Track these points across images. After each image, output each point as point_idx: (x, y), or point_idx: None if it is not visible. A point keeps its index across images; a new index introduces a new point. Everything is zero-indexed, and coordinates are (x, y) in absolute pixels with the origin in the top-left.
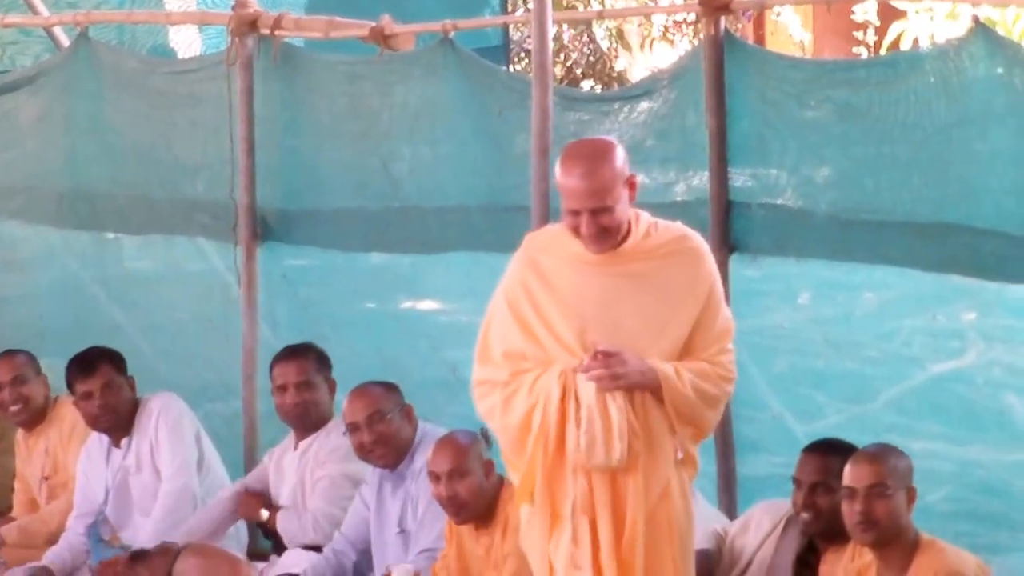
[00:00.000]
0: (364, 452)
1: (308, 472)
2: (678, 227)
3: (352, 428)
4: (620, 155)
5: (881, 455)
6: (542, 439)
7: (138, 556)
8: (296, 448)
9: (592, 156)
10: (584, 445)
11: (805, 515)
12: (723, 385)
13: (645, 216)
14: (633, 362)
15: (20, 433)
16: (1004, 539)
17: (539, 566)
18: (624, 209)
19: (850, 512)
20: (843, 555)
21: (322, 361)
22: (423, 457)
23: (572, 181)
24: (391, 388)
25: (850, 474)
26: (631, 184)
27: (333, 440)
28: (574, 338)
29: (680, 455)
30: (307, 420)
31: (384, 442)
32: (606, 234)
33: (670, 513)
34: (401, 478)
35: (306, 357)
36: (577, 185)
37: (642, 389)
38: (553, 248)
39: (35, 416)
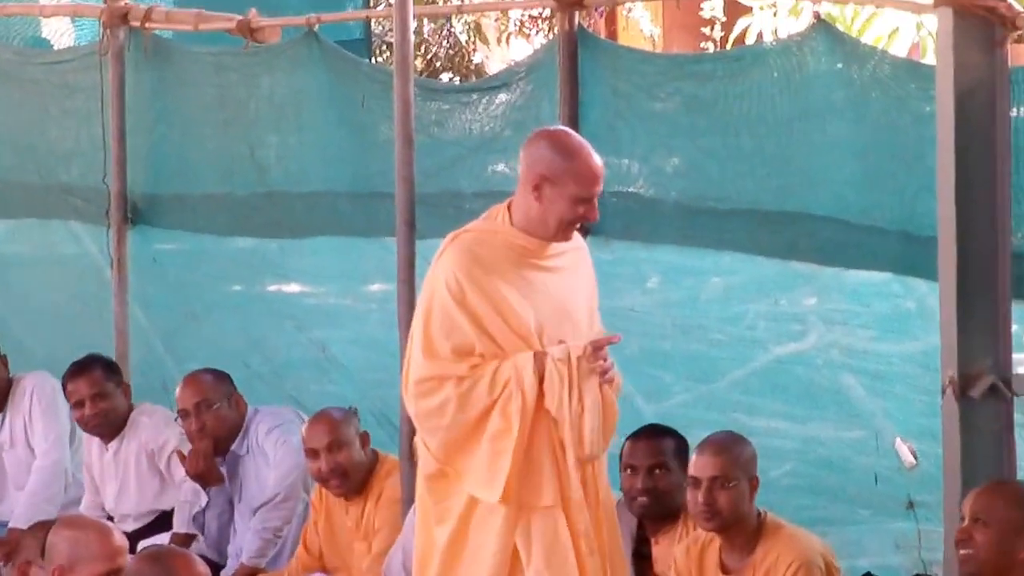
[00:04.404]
0: (192, 441)
1: (127, 472)
2: None
3: (182, 414)
4: None
5: (725, 447)
6: (524, 434)
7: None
8: (107, 450)
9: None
10: (589, 437)
11: (643, 499)
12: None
13: None
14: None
15: None
16: (841, 512)
17: (497, 557)
18: None
19: (694, 501)
20: (674, 536)
21: (110, 369)
22: (259, 430)
23: (593, 165)
24: (221, 377)
25: (695, 464)
26: None
27: (142, 433)
28: (532, 328)
29: None
30: (110, 427)
31: (211, 432)
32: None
33: (610, 498)
34: (235, 458)
35: (93, 369)
36: (596, 169)
37: None
38: (487, 242)
39: None
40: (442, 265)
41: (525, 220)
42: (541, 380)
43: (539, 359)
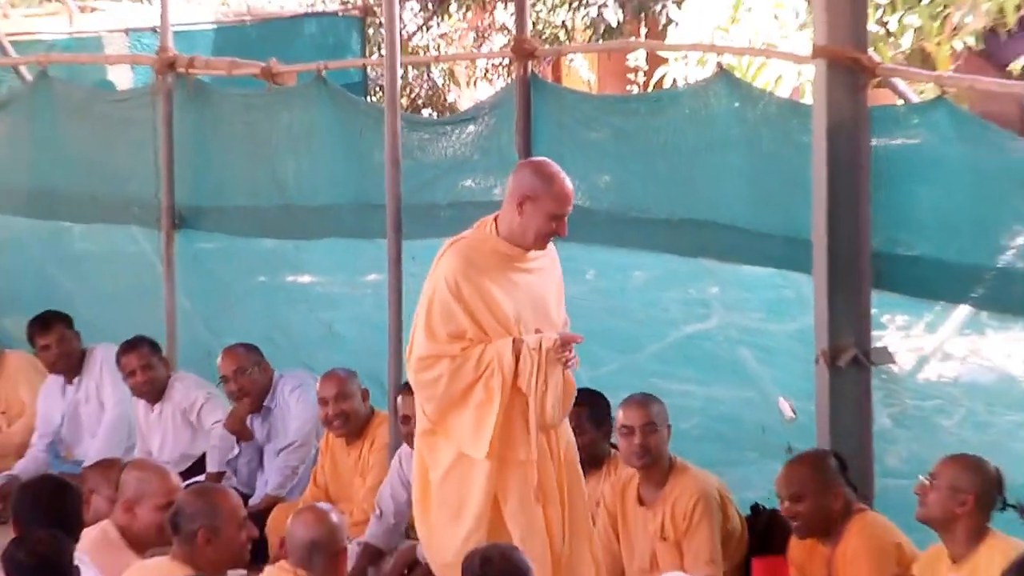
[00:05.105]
0: (232, 399)
1: (166, 428)
2: None
3: (223, 380)
4: None
5: (648, 402)
6: (503, 403)
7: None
8: (152, 411)
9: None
10: (550, 411)
11: None
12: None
13: None
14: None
15: None
16: (735, 456)
17: (482, 500)
18: None
19: (628, 444)
20: (599, 479)
21: (154, 346)
22: (284, 390)
23: (567, 189)
24: (252, 348)
25: (627, 416)
26: None
27: (176, 396)
28: (512, 318)
29: None
30: (154, 392)
31: (246, 392)
32: None
33: (573, 455)
34: (267, 411)
35: (141, 347)
36: (569, 193)
37: None
38: (478, 248)
39: None
40: (442, 266)
41: (508, 231)
42: (517, 361)
43: (516, 345)
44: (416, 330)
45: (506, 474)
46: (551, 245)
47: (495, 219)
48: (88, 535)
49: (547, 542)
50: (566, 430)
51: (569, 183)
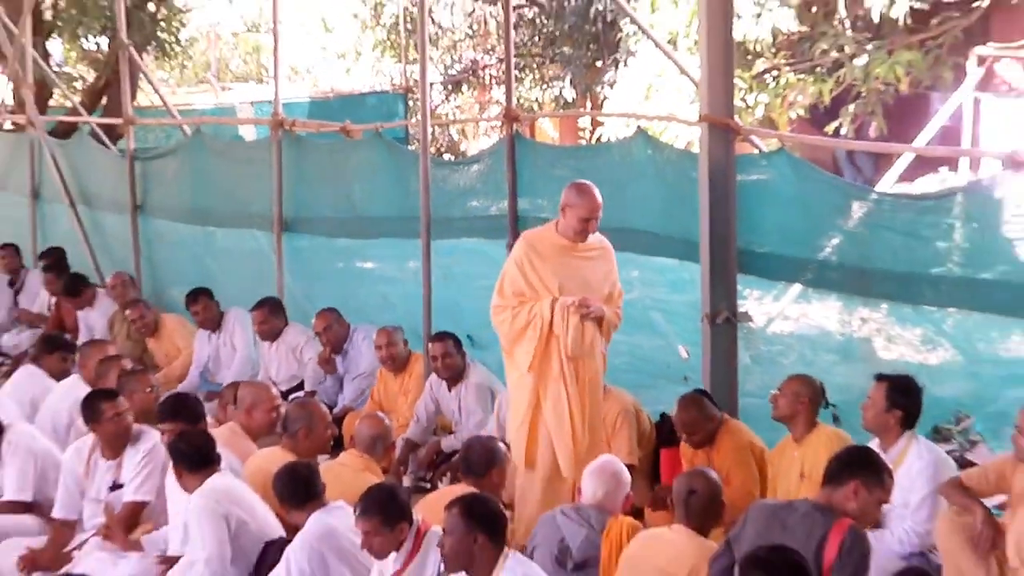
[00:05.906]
0: (323, 346)
1: (280, 360)
2: (599, 236)
3: (317, 334)
4: None
5: None
6: (542, 339)
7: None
8: (271, 348)
9: (594, 188)
10: (571, 345)
11: None
12: (617, 323)
13: None
14: (598, 304)
15: (148, 340)
16: (649, 383)
17: (525, 402)
18: None
19: None
20: None
21: (272, 307)
22: (358, 338)
23: (593, 200)
24: (333, 311)
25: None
26: None
27: (288, 338)
28: (556, 287)
29: (605, 351)
30: (273, 335)
31: (331, 342)
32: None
33: (597, 381)
34: (346, 352)
35: (263, 308)
36: (596, 201)
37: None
38: (541, 239)
39: (152, 330)
40: (516, 248)
41: (561, 229)
42: (553, 313)
43: (553, 303)
44: (494, 290)
45: (545, 385)
46: (606, 240)
47: (556, 222)
48: (221, 432)
49: (571, 433)
50: (594, 362)
51: (598, 197)
